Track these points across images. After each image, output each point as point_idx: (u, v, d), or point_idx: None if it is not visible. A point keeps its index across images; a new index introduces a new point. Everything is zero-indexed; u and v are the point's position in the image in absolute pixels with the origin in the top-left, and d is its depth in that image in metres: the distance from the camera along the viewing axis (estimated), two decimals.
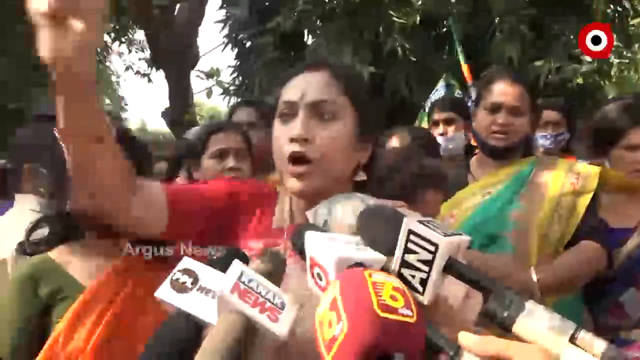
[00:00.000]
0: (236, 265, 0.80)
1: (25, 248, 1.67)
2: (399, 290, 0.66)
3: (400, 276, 0.78)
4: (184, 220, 1.23)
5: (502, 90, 2.19)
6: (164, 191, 1.22)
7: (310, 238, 0.80)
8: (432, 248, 0.76)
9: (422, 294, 0.77)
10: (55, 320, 1.57)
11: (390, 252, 0.79)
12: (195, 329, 0.83)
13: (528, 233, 2.08)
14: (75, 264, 1.65)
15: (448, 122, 3.26)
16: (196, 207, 1.25)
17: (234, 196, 1.29)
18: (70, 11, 0.84)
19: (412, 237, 0.77)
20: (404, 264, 0.78)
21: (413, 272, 0.77)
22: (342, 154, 1.17)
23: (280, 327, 0.77)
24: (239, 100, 6.77)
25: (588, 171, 2.17)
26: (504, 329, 0.69)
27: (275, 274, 0.87)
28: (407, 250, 0.77)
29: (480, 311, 0.72)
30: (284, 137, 1.17)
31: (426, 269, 0.76)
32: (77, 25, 0.84)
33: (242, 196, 1.30)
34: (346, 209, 0.96)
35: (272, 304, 0.78)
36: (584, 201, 2.11)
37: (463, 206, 2.20)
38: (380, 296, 0.64)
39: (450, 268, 0.76)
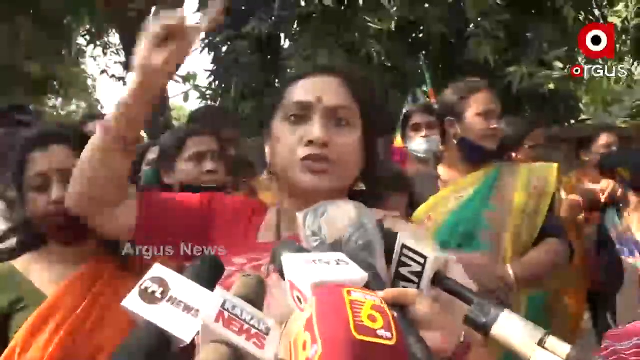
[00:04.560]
0: (218, 292, 0.76)
1: None
2: (379, 309, 0.62)
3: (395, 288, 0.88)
4: (153, 225, 1.26)
5: (490, 99, 2.35)
6: (136, 197, 1.27)
7: (287, 262, 0.77)
8: (421, 260, 0.87)
9: None
10: (13, 331, 1.49)
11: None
12: (164, 341, 0.79)
13: (501, 233, 2.24)
14: (38, 272, 1.57)
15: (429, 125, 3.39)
16: (166, 211, 1.28)
17: (209, 202, 1.30)
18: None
19: (404, 251, 0.88)
20: (398, 275, 0.89)
21: (405, 284, 0.88)
22: (355, 161, 1.18)
23: (267, 354, 0.74)
24: (202, 105, 6.80)
25: (546, 174, 2.38)
26: (483, 333, 0.81)
27: (256, 298, 0.82)
28: (400, 264, 0.88)
29: (463, 318, 0.82)
30: (295, 138, 1.14)
31: (417, 280, 0.87)
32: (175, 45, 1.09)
33: (217, 204, 1.30)
34: (338, 214, 0.97)
35: (258, 330, 0.74)
36: (546, 202, 2.31)
37: (439, 210, 2.31)
38: (358, 317, 0.60)
39: (438, 282, 0.88)
